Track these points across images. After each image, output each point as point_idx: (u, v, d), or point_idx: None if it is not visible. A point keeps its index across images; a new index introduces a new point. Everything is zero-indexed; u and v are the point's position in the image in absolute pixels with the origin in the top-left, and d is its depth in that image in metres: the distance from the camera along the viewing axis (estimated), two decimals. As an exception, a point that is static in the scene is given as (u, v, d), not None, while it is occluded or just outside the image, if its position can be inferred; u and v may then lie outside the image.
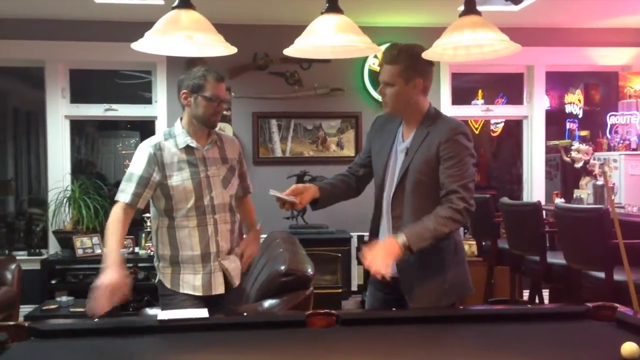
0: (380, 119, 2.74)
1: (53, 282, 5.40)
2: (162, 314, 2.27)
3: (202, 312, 2.31)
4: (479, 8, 2.47)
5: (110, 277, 2.50)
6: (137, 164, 2.70)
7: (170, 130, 2.82)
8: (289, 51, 2.54)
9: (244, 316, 2.47)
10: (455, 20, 2.44)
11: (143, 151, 2.72)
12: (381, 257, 2.30)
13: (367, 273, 2.81)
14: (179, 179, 2.69)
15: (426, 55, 2.42)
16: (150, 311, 2.99)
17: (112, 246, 2.66)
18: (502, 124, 8.47)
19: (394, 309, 2.51)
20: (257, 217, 3.11)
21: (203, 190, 2.72)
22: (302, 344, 2.08)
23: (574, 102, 7.62)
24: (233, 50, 2.53)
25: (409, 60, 2.44)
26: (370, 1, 5.10)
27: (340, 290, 5.43)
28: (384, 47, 2.73)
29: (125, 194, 2.68)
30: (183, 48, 2.64)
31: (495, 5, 4.93)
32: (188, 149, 2.74)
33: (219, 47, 2.49)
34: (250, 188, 3.04)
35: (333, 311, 2.33)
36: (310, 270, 3.38)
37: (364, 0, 5.02)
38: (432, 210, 2.41)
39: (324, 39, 2.44)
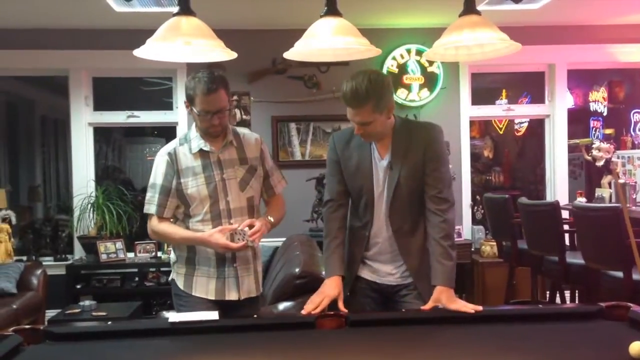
0: (339, 138, 2.64)
1: (78, 286, 5.51)
2: (174, 317, 2.31)
3: (213, 315, 2.35)
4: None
5: (210, 232, 2.61)
6: (157, 173, 2.72)
7: (186, 134, 2.79)
8: (289, 54, 2.55)
9: (254, 318, 2.49)
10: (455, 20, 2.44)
11: (160, 159, 2.73)
12: (459, 303, 2.37)
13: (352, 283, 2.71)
14: (194, 184, 2.67)
15: (427, 55, 2.44)
16: (167, 314, 3.02)
17: (184, 235, 2.71)
18: (527, 124, 8.39)
19: (403, 309, 2.51)
20: (279, 215, 2.85)
21: (219, 194, 2.68)
22: (311, 346, 2.10)
23: (599, 100, 7.52)
24: (233, 55, 2.53)
25: (377, 93, 2.36)
26: (377, 3, 5.10)
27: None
28: (378, 49, 2.69)
29: (151, 205, 2.72)
30: (183, 54, 2.64)
31: (502, 5, 4.85)
32: (202, 152, 2.70)
33: (218, 52, 2.50)
34: (276, 189, 2.89)
35: (342, 312, 2.36)
36: (324, 273, 3.39)
37: (370, 3, 5.03)
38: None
39: (322, 42, 2.44)
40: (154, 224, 2.73)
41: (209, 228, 2.66)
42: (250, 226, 2.62)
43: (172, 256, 2.85)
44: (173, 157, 2.70)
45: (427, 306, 2.39)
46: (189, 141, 2.73)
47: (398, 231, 2.54)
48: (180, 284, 2.77)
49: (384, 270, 2.60)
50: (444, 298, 2.38)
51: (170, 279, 2.86)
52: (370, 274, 2.63)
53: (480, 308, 2.32)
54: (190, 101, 2.63)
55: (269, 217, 2.76)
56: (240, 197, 2.72)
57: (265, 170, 2.84)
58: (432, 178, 2.48)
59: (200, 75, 2.58)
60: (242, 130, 2.86)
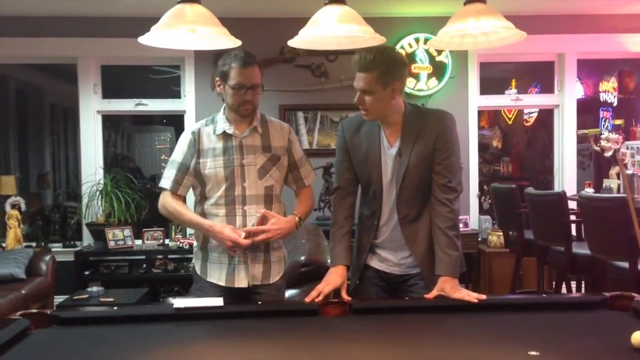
0: (349, 125, 2.63)
1: (86, 273, 5.56)
2: (179, 302, 2.33)
3: (218, 301, 2.36)
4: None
5: (220, 225, 2.61)
6: (178, 151, 2.74)
7: (214, 116, 2.78)
8: (293, 42, 2.54)
9: (258, 304, 2.51)
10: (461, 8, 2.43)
11: (184, 137, 2.75)
12: (463, 292, 2.38)
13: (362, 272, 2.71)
14: (212, 165, 2.67)
15: (432, 44, 2.42)
16: (173, 300, 3.04)
17: (193, 217, 2.71)
18: (536, 114, 8.35)
19: (407, 298, 2.52)
20: (307, 211, 2.85)
21: (235, 179, 2.66)
22: (314, 332, 2.11)
23: (609, 90, 7.47)
24: (237, 43, 2.53)
25: (385, 65, 2.36)
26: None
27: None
28: (382, 37, 2.67)
29: (167, 180, 2.73)
30: (188, 41, 2.63)
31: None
32: (225, 135, 2.68)
33: (222, 40, 2.49)
34: (307, 181, 2.84)
35: (345, 300, 2.37)
36: (330, 262, 3.40)
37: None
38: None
39: (326, 29, 2.43)
40: (167, 199, 2.73)
41: (222, 212, 2.67)
42: (263, 218, 2.62)
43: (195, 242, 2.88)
44: (196, 137, 2.71)
45: (431, 295, 2.39)
46: (215, 123, 2.73)
47: (404, 218, 2.53)
48: (197, 268, 2.81)
49: (392, 259, 2.60)
50: (448, 287, 2.38)
51: (192, 262, 2.90)
52: (378, 262, 2.63)
53: (483, 297, 2.33)
54: (223, 77, 2.61)
55: (298, 216, 2.75)
56: (258, 185, 2.69)
57: (293, 160, 2.79)
58: (442, 167, 2.46)
59: (236, 52, 2.61)
60: (271, 118, 2.84)
